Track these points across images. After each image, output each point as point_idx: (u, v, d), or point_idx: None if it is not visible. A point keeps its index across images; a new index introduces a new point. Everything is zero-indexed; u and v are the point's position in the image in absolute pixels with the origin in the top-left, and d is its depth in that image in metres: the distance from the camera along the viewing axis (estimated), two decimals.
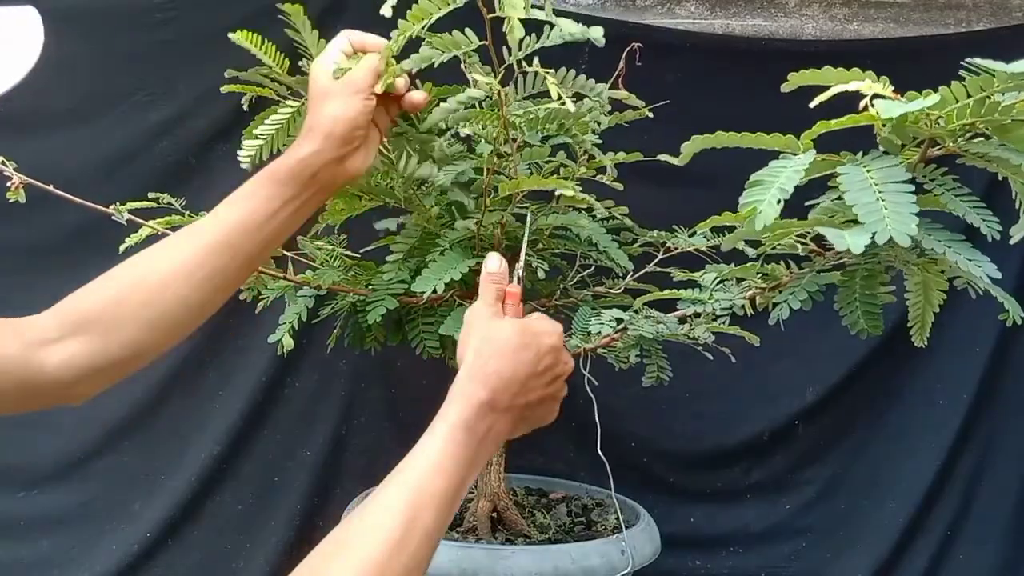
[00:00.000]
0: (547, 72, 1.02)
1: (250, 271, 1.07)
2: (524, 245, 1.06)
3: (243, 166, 1.18)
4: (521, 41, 0.95)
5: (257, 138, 1.17)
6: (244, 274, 1.06)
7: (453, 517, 0.83)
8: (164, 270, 1.00)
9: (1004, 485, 2.19)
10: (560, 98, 1.00)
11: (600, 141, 1.32)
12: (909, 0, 2.16)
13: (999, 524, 2.18)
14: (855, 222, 0.77)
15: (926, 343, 1.06)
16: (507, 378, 0.90)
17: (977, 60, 0.77)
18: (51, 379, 0.94)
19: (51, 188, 1.21)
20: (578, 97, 1.17)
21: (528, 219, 1.12)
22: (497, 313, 0.97)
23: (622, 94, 1.15)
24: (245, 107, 1.23)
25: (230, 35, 1.15)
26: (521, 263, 1.04)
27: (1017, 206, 0.91)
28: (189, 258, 1.01)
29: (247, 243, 1.02)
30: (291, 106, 1.16)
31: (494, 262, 1.00)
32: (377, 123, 1.08)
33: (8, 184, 1.17)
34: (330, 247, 1.39)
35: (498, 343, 0.92)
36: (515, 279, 1.02)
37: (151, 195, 1.33)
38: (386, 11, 0.92)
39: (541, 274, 1.28)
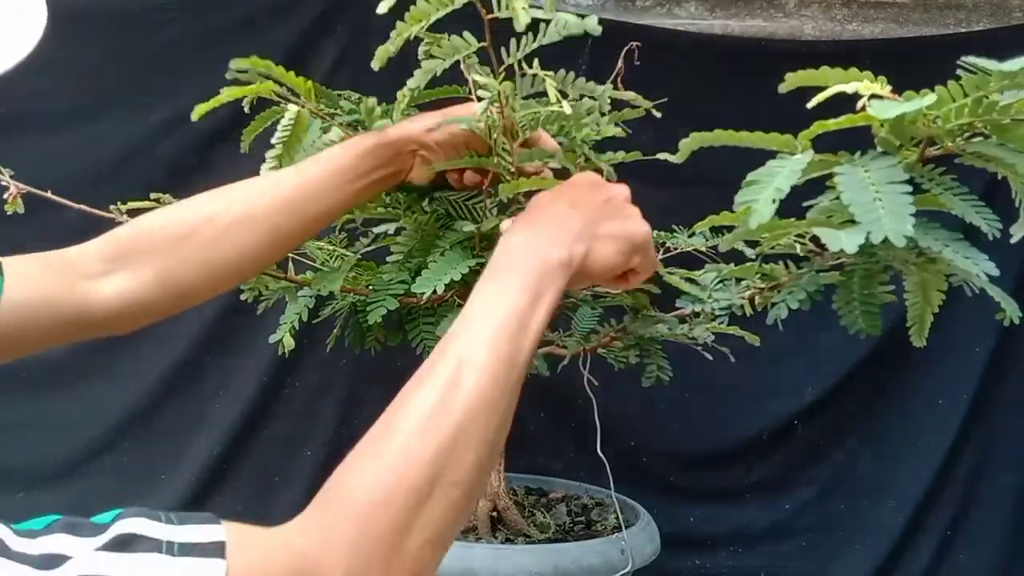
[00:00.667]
0: (546, 75, 1.02)
1: (306, 236, 1.06)
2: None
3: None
4: (520, 39, 0.95)
5: (274, 147, 1.18)
6: (301, 237, 1.05)
7: (523, 356, 0.75)
8: (224, 219, 0.98)
9: (1004, 485, 2.19)
10: (558, 100, 1.00)
11: (599, 138, 1.32)
12: (909, 0, 2.16)
13: (999, 524, 2.18)
14: (852, 222, 0.77)
15: (925, 343, 1.06)
16: (545, 209, 0.86)
17: (972, 59, 0.77)
18: (98, 312, 0.93)
19: (48, 195, 1.21)
20: (579, 97, 1.17)
21: None
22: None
23: (629, 95, 1.15)
24: (246, 108, 1.23)
25: (232, 65, 1.15)
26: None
27: (1016, 205, 0.91)
28: (263, 205, 0.99)
29: (309, 208, 1.01)
30: (293, 109, 1.16)
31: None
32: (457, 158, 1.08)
33: (5, 196, 1.17)
34: (330, 247, 1.39)
35: (544, 194, 0.90)
36: None
37: (152, 196, 1.33)
38: (382, 8, 0.92)
39: None
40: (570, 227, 0.83)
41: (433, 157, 1.08)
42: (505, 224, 0.89)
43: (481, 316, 0.76)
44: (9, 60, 0.68)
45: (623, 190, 0.92)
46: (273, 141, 1.18)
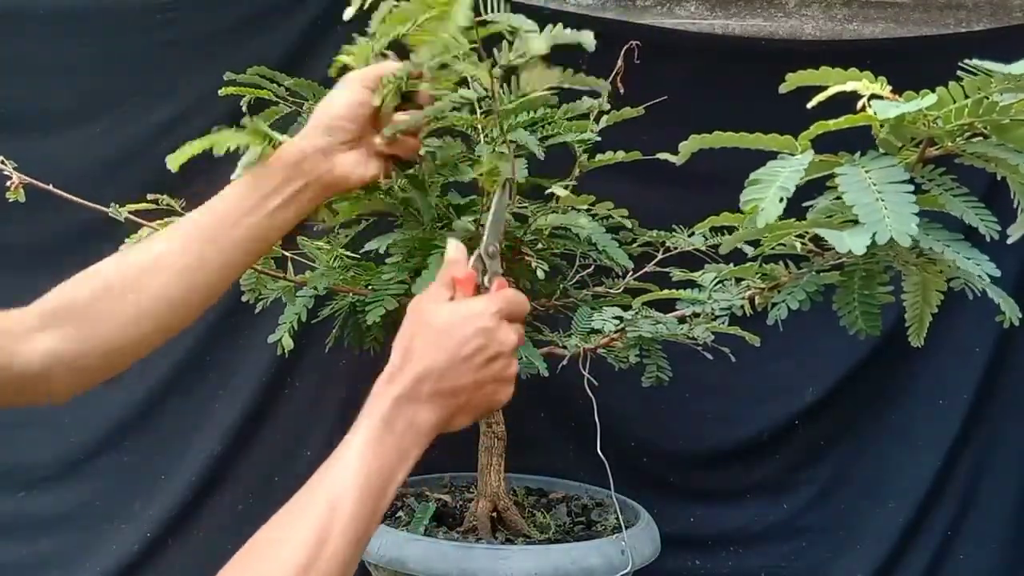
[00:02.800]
0: (544, 72, 1.01)
1: (233, 271, 1.03)
2: (488, 224, 0.97)
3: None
4: (510, 43, 0.95)
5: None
6: (226, 273, 1.02)
7: (381, 513, 0.83)
8: (147, 261, 0.97)
9: (1004, 485, 2.19)
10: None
11: (599, 138, 1.32)
12: (909, 0, 2.16)
13: (999, 524, 2.18)
14: (854, 222, 0.77)
15: (923, 343, 1.06)
16: (427, 365, 0.86)
17: (974, 61, 0.77)
18: (30, 373, 0.91)
19: (51, 188, 1.22)
20: (575, 97, 1.18)
21: (495, 196, 0.99)
22: (436, 298, 0.91)
23: (590, 80, 1.13)
24: (244, 108, 1.23)
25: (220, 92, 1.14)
26: (484, 242, 0.95)
27: (1016, 205, 0.91)
28: (173, 248, 0.98)
29: (230, 235, 0.99)
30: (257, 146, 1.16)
31: (450, 248, 0.95)
32: (373, 138, 1.06)
33: (8, 184, 1.17)
34: (330, 247, 1.39)
35: (420, 331, 0.88)
36: (472, 261, 0.94)
37: (151, 196, 1.33)
38: (348, 15, 0.92)
39: (541, 274, 1.29)
40: (444, 392, 0.86)
41: (361, 135, 1.05)
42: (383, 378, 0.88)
43: (353, 470, 0.82)
44: None
45: (510, 345, 0.90)
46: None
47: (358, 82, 1.04)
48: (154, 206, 1.33)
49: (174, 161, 1.04)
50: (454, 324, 0.88)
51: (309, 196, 1.03)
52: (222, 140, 1.02)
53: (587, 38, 0.90)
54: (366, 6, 0.98)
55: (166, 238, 1.00)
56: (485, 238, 0.95)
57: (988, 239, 0.91)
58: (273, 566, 0.77)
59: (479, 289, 0.93)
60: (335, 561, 0.78)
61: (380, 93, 1.02)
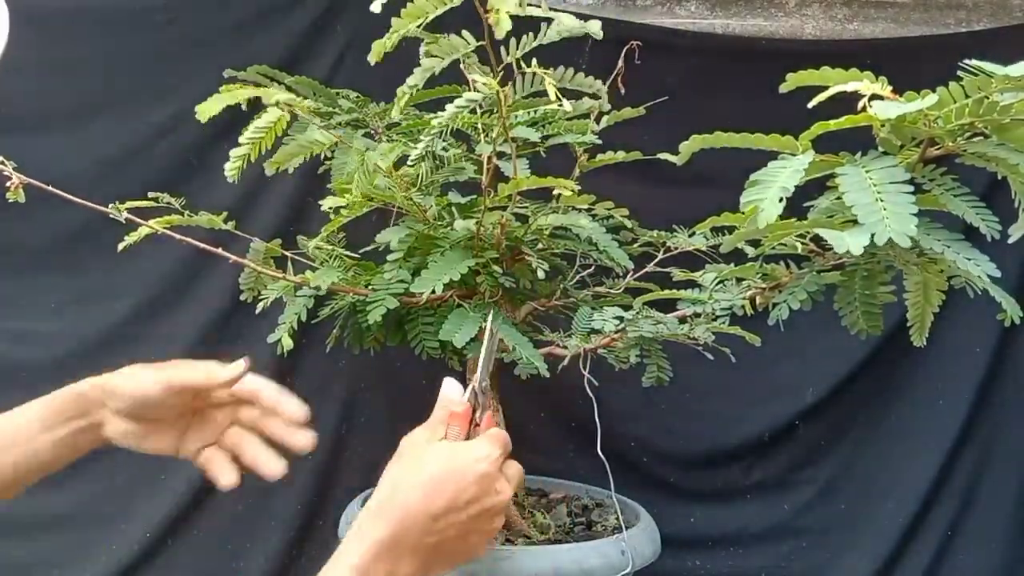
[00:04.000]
0: (545, 72, 1.02)
1: (16, 484, 1.03)
2: (481, 360, 0.96)
3: (229, 178, 1.18)
4: (517, 38, 0.95)
5: (241, 146, 1.17)
6: (10, 485, 1.01)
7: None
8: None
9: (1004, 485, 2.19)
10: (558, 99, 0.99)
11: (600, 141, 1.32)
12: (909, 0, 2.16)
13: (999, 524, 2.18)
14: (854, 222, 0.77)
15: (925, 343, 1.06)
16: (416, 513, 0.82)
17: (975, 61, 0.77)
18: None
19: (51, 188, 1.21)
20: (577, 96, 1.17)
21: (488, 328, 0.97)
22: (432, 438, 0.88)
23: (587, 81, 1.13)
24: (244, 107, 1.23)
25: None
26: (478, 377, 0.94)
27: (1016, 205, 0.91)
28: None
29: (8, 452, 0.98)
30: (276, 111, 1.16)
31: (448, 387, 0.93)
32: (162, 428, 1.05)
33: (7, 184, 1.17)
34: (330, 247, 1.39)
35: (416, 472, 0.84)
36: (467, 395, 0.92)
37: (151, 195, 1.33)
38: (375, 8, 0.92)
39: (541, 274, 1.29)
40: (428, 545, 0.82)
41: (120, 416, 1.04)
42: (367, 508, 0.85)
43: None
44: None
45: (504, 500, 0.88)
46: (242, 140, 1.17)
47: (163, 380, 1.05)
48: (154, 204, 1.33)
49: (203, 113, 1.06)
50: (452, 470, 0.84)
51: (88, 443, 1.02)
52: (246, 93, 1.04)
53: (595, 27, 0.91)
54: None
55: None
56: (479, 374, 0.94)
57: (989, 239, 0.91)
58: None
59: (472, 424, 0.92)
60: None
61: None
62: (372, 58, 1.03)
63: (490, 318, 1.00)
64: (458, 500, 0.83)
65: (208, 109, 1.14)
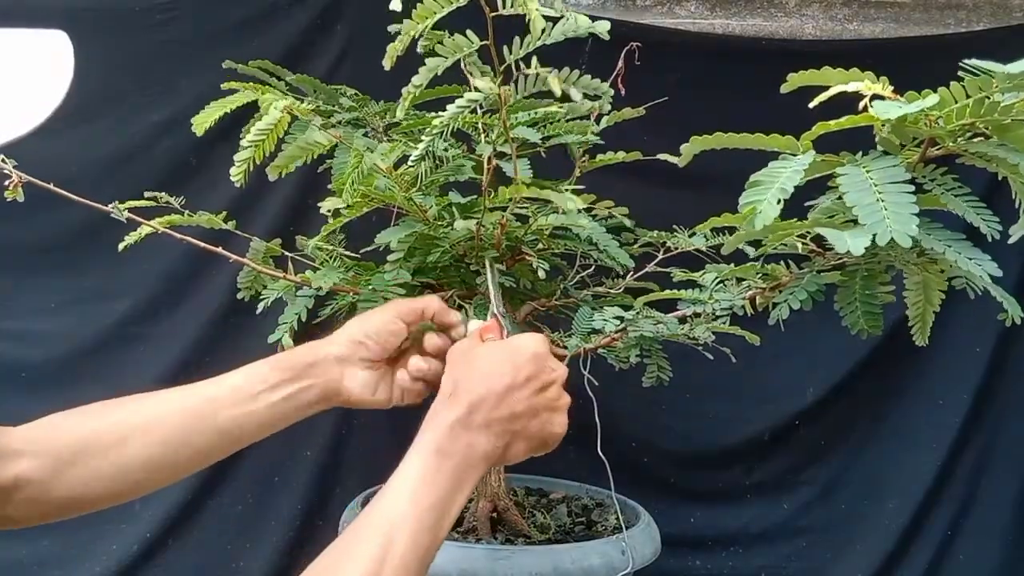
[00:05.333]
0: (548, 71, 1.01)
1: (215, 451, 1.01)
2: (491, 289, 1.09)
3: (235, 182, 1.17)
4: (520, 37, 0.95)
5: (244, 149, 1.17)
6: (209, 451, 1.00)
7: (440, 541, 0.82)
8: (138, 422, 0.97)
9: (1004, 485, 2.19)
10: (563, 95, 1.00)
11: (601, 141, 1.32)
12: (909, 0, 2.16)
13: (999, 524, 2.18)
14: (855, 223, 0.77)
15: (927, 343, 1.06)
16: (481, 393, 0.87)
17: (975, 61, 0.77)
18: None
19: (51, 187, 1.21)
20: (574, 97, 1.17)
21: (488, 271, 1.13)
22: (474, 344, 0.95)
23: (594, 83, 1.14)
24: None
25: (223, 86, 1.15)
26: (494, 302, 1.05)
27: (1017, 205, 0.91)
28: (159, 414, 0.97)
29: (218, 418, 0.98)
30: (277, 111, 1.16)
31: (473, 324, 1.03)
32: (391, 378, 1.07)
33: (6, 183, 1.17)
34: (330, 247, 1.38)
35: (471, 362, 0.90)
36: (489, 317, 1.03)
37: (151, 195, 1.33)
38: (395, 5, 0.91)
39: (541, 274, 1.28)
40: (499, 420, 0.87)
41: (381, 362, 1.07)
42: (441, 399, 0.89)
43: (408, 500, 0.81)
44: (39, 115, 0.67)
45: (561, 374, 0.95)
46: (245, 143, 1.17)
47: (395, 312, 1.06)
48: (154, 204, 1.33)
49: (199, 126, 1.06)
50: (504, 354, 0.90)
51: (310, 399, 1.02)
52: (241, 99, 1.04)
53: (603, 27, 0.91)
54: None
55: (162, 401, 0.99)
56: (493, 301, 1.06)
57: (989, 239, 0.91)
58: None
59: (503, 337, 1.00)
60: None
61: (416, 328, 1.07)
62: (387, 63, 1.03)
63: (488, 262, 1.12)
64: (518, 377, 0.88)
65: (203, 120, 1.14)
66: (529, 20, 0.90)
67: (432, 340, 1.08)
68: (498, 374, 0.88)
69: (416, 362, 1.06)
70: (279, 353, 1.04)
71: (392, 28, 0.99)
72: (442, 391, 0.89)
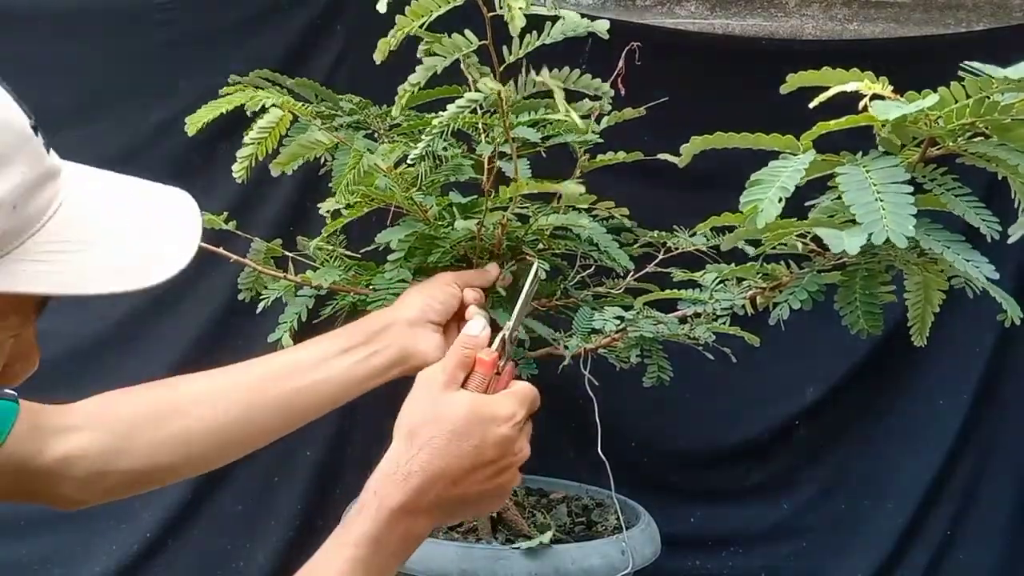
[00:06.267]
0: (554, 81, 1.01)
1: (288, 419, 1.00)
2: (518, 308, 0.90)
3: (237, 178, 1.18)
4: (523, 37, 0.95)
5: (246, 146, 1.17)
6: (282, 418, 1.00)
7: None
8: (200, 388, 0.97)
9: (1004, 485, 2.19)
10: (567, 112, 0.99)
11: (601, 140, 1.32)
12: (909, 0, 2.16)
13: (999, 524, 2.18)
14: (854, 222, 0.77)
15: (926, 343, 1.07)
16: (434, 473, 0.77)
17: (975, 64, 0.77)
18: (45, 470, 0.88)
19: None
20: (576, 98, 1.17)
21: (531, 273, 0.95)
22: (451, 383, 0.82)
23: (595, 82, 1.14)
24: (245, 107, 1.22)
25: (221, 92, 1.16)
26: (511, 325, 0.88)
27: (1016, 205, 0.91)
28: (226, 382, 0.98)
29: (290, 383, 0.98)
30: (277, 109, 1.16)
31: (476, 326, 0.86)
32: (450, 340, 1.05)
33: None
34: (330, 247, 1.38)
35: (436, 425, 0.79)
36: (495, 344, 0.86)
37: None
38: (381, 7, 0.92)
39: (542, 274, 1.28)
40: (451, 499, 0.79)
41: (445, 328, 1.10)
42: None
43: None
44: (172, 268, 0.67)
45: (523, 457, 0.84)
46: (247, 140, 1.17)
47: (448, 279, 1.12)
48: None
49: (192, 125, 1.06)
50: (472, 426, 0.79)
51: (383, 362, 1.03)
52: (235, 100, 1.04)
53: (602, 26, 0.91)
54: None
55: (230, 370, 1.00)
56: (512, 323, 0.89)
57: (989, 239, 0.91)
58: None
59: (494, 374, 0.86)
60: None
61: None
62: (377, 56, 1.03)
63: (535, 266, 0.96)
64: (480, 458, 0.79)
65: (197, 120, 1.14)
66: (511, 17, 0.89)
67: (471, 294, 1.12)
68: (460, 453, 0.78)
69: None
70: (347, 324, 1.06)
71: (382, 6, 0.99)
72: (398, 440, 0.80)
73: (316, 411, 1.03)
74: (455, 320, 1.12)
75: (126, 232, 0.69)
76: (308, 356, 1.01)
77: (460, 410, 0.80)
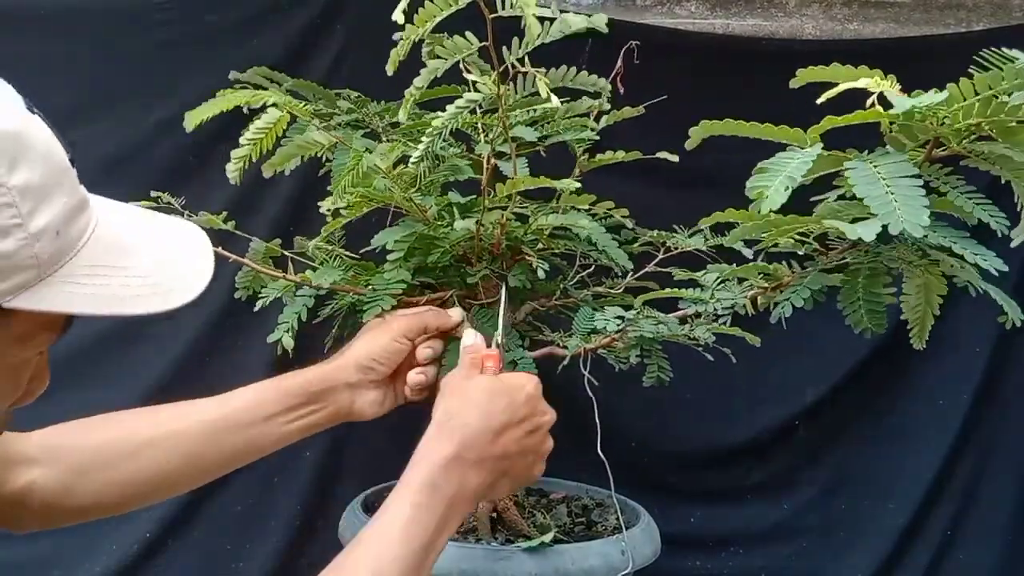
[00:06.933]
0: (538, 71, 1.02)
1: (226, 467, 1.07)
2: (501, 319, 1.10)
3: (231, 179, 1.18)
4: (519, 38, 0.95)
5: (242, 147, 1.17)
6: (219, 468, 1.06)
7: (428, 571, 0.82)
8: (156, 435, 1.01)
9: (1004, 485, 2.19)
10: (548, 98, 1.00)
11: (599, 139, 1.32)
12: (909, 0, 2.16)
13: (999, 524, 2.18)
14: (861, 220, 0.77)
15: (925, 346, 1.06)
16: (478, 428, 0.87)
17: (994, 50, 0.77)
18: (7, 500, 0.93)
19: None
20: (575, 97, 1.17)
21: (503, 297, 1.15)
22: (470, 375, 0.95)
23: (592, 79, 1.15)
24: (244, 109, 1.22)
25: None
26: (500, 332, 1.06)
27: (1018, 208, 0.91)
28: (173, 430, 1.02)
29: (230, 438, 1.04)
30: (276, 109, 1.16)
31: (470, 336, 1.03)
32: (396, 386, 1.13)
33: None
34: (330, 247, 1.38)
35: (468, 395, 0.90)
36: (493, 345, 1.03)
37: (152, 195, 1.33)
38: (398, 16, 0.92)
39: (541, 274, 1.28)
40: (491, 458, 0.88)
41: (386, 380, 1.12)
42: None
43: (399, 540, 0.80)
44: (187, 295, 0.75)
45: (551, 419, 0.98)
46: (243, 141, 1.17)
47: (399, 331, 1.12)
48: (154, 204, 1.32)
49: (190, 121, 1.07)
50: (499, 392, 0.91)
51: (318, 420, 1.09)
52: (236, 99, 1.04)
53: (600, 21, 0.91)
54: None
55: (176, 417, 1.04)
56: (500, 330, 1.08)
57: (999, 235, 0.91)
58: None
59: (500, 371, 1.00)
60: None
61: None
62: (389, 68, 1.04)
63: (503, 289, 1.15)
64: (513, 416, 0.90)
65: (196, 117, 1.14)
66: (527, 25, 0.89)
67: (423, 352, 1.13)
68: (495, 411, 0.89)
69: (414, 376, 1.12)
70: (287, 377, 1.08)
71: (396, 36, 1.00)
72: (435, 420, 0.89)
73: (253, 458, 1.10)
74: (402, 368, 1.14)
75: (150, 258, 0.75)
76: (249, 412, 1.06)
77: (486, 383, 0.93)
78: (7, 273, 0.63)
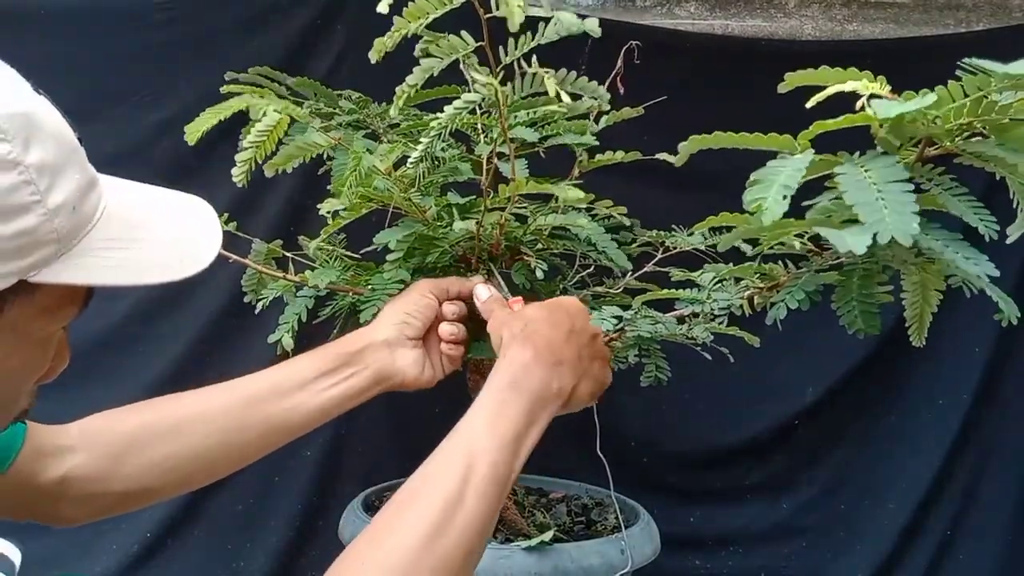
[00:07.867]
0: (545, 71, 1.02)
1: (265, 445, 1.07)
2: (502, 283, 1.18)
3: (237, 182, 1.18)
4: (518, 36, 0.95)
5: (246, 150, 1.17)
6: (258, 446, 1.06)
7: (515, 477, 0.84)
8: (185, 412, 1.01)
9: (1004, 485, 2.19)
10: (558, 95, 1.00)
11: (597, 142, 1.32)
12: (909, 0, 2.16)
13: (999, 524, 2.18)
14: (854, 222, 0.77)
15: (924, 343, 1.06)
16: (550, 335, 0.91)
17: (975, 60, 0.77)
18: (45, 490, 0.94)
19: None
20: (575, 97, 1.17)
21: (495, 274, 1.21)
22: (512, 307, 1.02)
23: (591, 86, 1.14)
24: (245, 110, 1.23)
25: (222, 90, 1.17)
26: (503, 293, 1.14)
27: (1015, 205, 0.91)
28: (214, 405, 1.02)
29: (268, 408, 1.03)
30: (275, 113, 1.16)
31: (483, 290, 1.09)
32: (431, 356, 1.13)
33: None
34: (330, 248, 1.39)
35: (530, 315, 0.94)
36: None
37: None
38: (382, 8, 0.92)
39: (540, 274, 1.29)
40: (568, 360, 0.92)
41: (424, 340, 1.13)
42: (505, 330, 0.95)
43: (486, 432, 0.83)
44: (194, 267, 0.77)
45: (600, 328, 1.01)
46: (246, 143, 1.17)
47: (427, 289, 1.14)
48: None
49: (191, 134, 1.07)
50: (555, 307, 0.96)
51: (362, 384, 1.08)
52: (237, 104, 1.05)
53: (593, 24, 0.91)
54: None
55: (212, 395, 1.03)
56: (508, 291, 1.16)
57: (987, 239, 0.90)
58: (410, 523, 0.77)
59: None
60: (469, 521, 0.79)
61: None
62: (373, 56, 1.03)
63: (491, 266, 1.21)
64: (575, 324, 0.95)
65: (196, 129, 1.15)
66: (509, 12, 0.89)
67: (449, 307, 1.14)
68: (559, 320, 0.93)
69: (447, 327, 1.13)
70: (325, 345, 1.08)
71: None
72: (505, 341, 0.92)
73: (297, 432, 1.09)
74: (433, 329, 1.16)
75: (161, 230, 0.78)
76: (287, 379, 1.04)
77: (539, 305, 0.97)
78: (30, 249, 0.65)
